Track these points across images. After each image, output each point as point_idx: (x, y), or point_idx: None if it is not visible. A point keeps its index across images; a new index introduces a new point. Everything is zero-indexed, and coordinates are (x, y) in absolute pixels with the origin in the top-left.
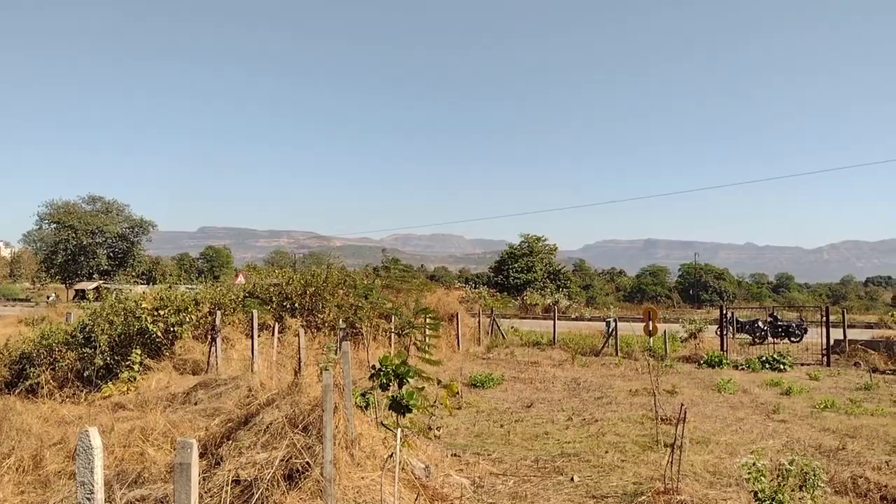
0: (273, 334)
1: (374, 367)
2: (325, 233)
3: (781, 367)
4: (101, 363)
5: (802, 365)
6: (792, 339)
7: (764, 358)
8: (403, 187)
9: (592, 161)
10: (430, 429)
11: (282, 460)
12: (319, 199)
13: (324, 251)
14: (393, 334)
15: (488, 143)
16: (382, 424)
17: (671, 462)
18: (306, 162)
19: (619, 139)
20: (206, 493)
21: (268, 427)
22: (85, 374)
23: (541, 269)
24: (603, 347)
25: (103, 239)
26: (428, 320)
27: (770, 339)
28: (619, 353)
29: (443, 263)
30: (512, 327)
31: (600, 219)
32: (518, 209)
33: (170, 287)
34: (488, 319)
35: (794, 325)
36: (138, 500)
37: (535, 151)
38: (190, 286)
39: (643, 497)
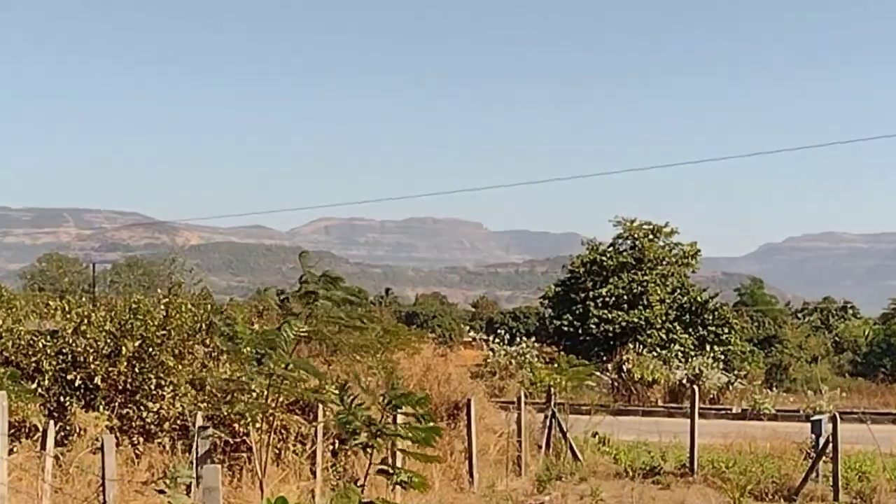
0: (42, 446)
1: None
2: (164, 216)
3: None
4: None
5: None
6: None
7: None
8: (343, 130)
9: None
10: None
11: None
12: (154, 154)
13: (160, 255)
14: (322, 446)
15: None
16: None
17: None
18: (106, 89)
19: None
20: None
21: None
22: None
23: (661, 297)
24: (805, 482)
25: None
26: (410, 418)
27: None
28: (839, 497)
29: (437, 281)
30: (594, 434)
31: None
32: (594, 166)
33: None
34: (541, 415)
35: None
36: None
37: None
38: None
39: None
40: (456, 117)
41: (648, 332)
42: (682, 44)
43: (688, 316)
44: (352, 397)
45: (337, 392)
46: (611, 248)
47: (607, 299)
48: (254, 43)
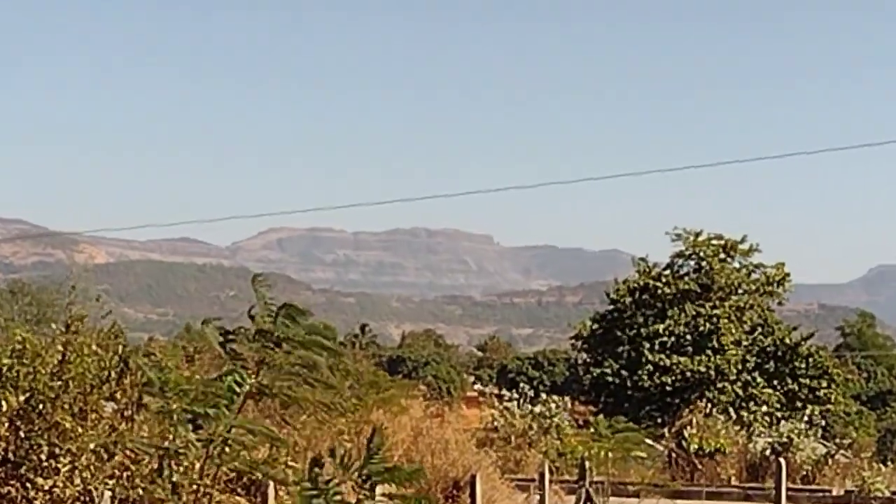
0: None
1: None
2: (59, 225)
3: None
4: None
5: None
6: None
7: None
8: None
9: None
10: None
11: None
12: (48, 148)
13: (54, 277)
14: None
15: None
16: None
17: None
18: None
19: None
20: None
21: None
22: None
23: (737, 338)
24: None
25: None
26: (395, 500)
27: None
28: None
29: (431, 315)
30: None
31: None
32: (642, 163)
33: None
34: (572, 498)
35: None
36: None
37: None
38: None
39: None
40: (457, 107)
41: (720, 385)
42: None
43: (772, 364)
44: (317, 472)
45: (294, 465)
46: (668, 271)
47: (664, 340)
48: (197, 21)
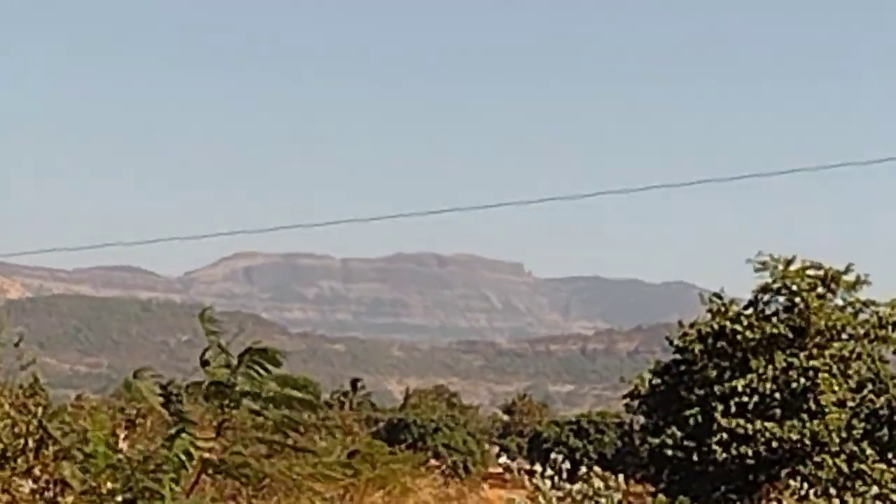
0: None
1: None
2: None
3: None
4: None
5: None
6: None
7: None
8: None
9: None
10: None
11: None
12: None
13: None
14: None
15: None
16: None
17: None
18: None
19: None
20: None
21: None
22: None
23: (841, 397)
24: None
25: None
26: None
27: None
28: None
29: (444, 367)
30: None
31: None
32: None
33: None
34: None
35: None
36: None
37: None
38: None
39: None
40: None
41: (817, 458)
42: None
43: (886, 430)
44: None
45: None
46: (750, 310)
47: (744, 400)
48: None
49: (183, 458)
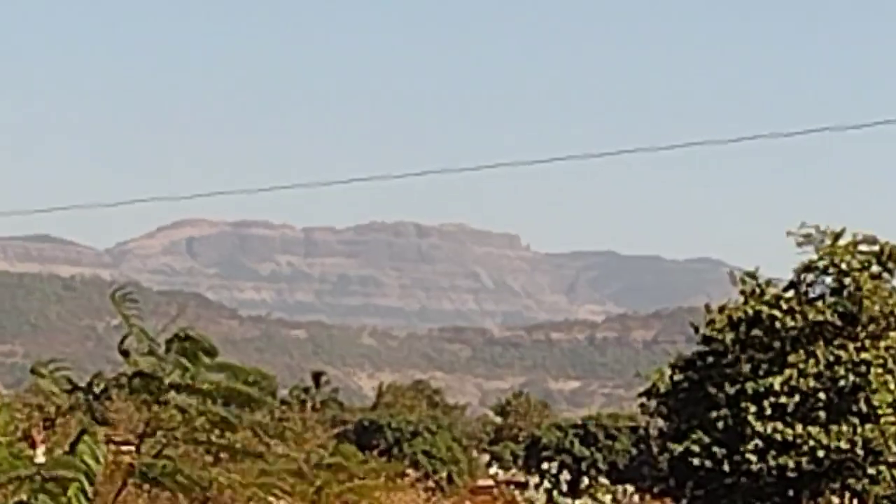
0: None
1: None
2: None
3: None
4: None
5: None
6: None
7: None
8: None
9: None
10: None
11: None
12: None
13: None
14: None
15: None
16: None
17: None
18: None
19: None
20: None
21: None
22: None
23: (893, 397)
24: None
25: None
26: None
27: None
28: None
29: (424, 359)
30: None
31: None
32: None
33: None
34: None
35: None
36: None
37: None
38: None
39: None
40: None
41: (871, 470)
42: None
43: None
44: None
45: None
46: (791, 293)
47: (783, 401)
48: None
49: (91, 464)
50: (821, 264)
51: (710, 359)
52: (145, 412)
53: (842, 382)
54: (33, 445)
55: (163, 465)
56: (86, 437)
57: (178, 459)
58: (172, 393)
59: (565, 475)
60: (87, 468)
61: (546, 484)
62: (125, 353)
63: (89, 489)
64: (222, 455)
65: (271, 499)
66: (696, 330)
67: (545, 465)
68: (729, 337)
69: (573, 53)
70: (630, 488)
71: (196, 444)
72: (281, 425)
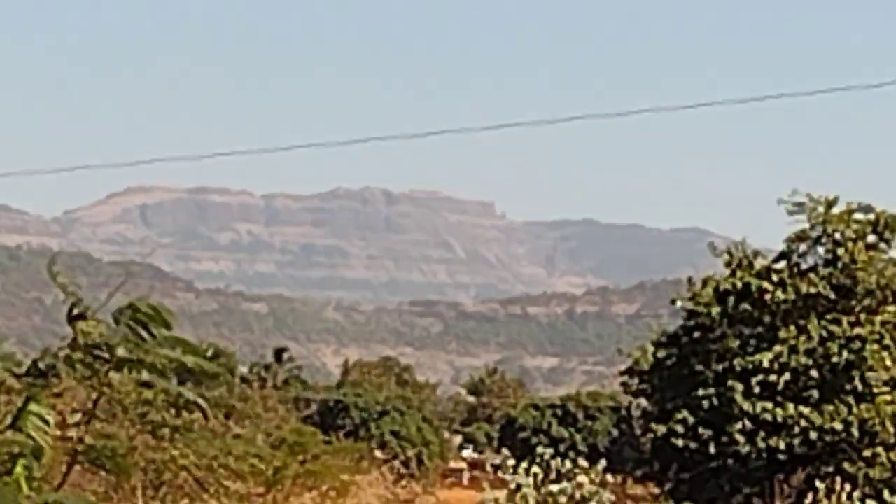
0: None
1: None
2: None
3: None
4: None
5: None
6: None
7: None
8: None
9: None
10: None
11: None
12: None
13: None
14: None
15: None
16: None
17: None
18: None
19: None
20: None
21: None
22: None
23: (890, 374)
24: None
25: None
26: None
27: None
28: None
29: (394, 334)
30: None
31: None
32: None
33: None
34: None
35: None
36: None
37: None
38: None
39: None
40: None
41: (866, 452)
42: None
43: None
44: None
45: None
46: (781, 264)
47: (772, 379)
48: None
49: (37, 438)
50: (813, 234)
51: (696, 334)
52: (92, 389)
53: (835, 359)
54: None
55: (111, 446)
56: (31, 407)
57: (127, 440)
58: (123, 369)
59: (558, 462)
60: (34, 442)
61: (529, 465)
62: (77, 318)
63: (37, 468)
64: (177, 435)
65: (227, 482)
66: (675, 303)
67: (540, 450)
68: (715, 311)
69: (554, 11)
70: (614, 475)
71: (149, 423)
72: (239, 404)
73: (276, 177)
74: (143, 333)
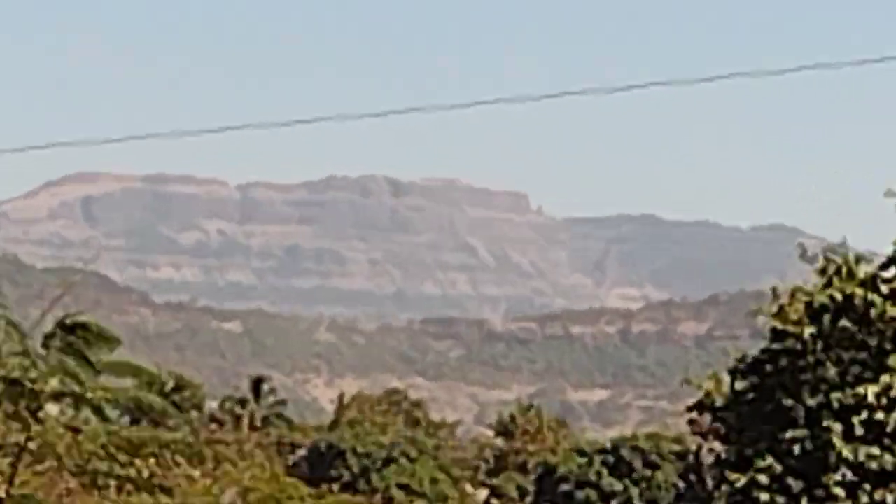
0: None
1: None
2: None
3: None
4: None
5: None
6: None
7: None
8: None
9: None
10: None
11: None
12: None
13: None
14: None
15: None
16: None
17: None
18: None
19: None
20: None
21: None
22: None
23: None
24: None
25: None
26: None
27: None
28: None
29: (400, 361)
30: None
31: None
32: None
33: None
34: None
35: None
36: None
37: None
38: None
39: None
40: None
41: None
42: None
43: None
44: None
45: None
46: (893, 270)
47: (879, 417)
48: None
49: None
50: None
51: (783, 360)
52: (18, 429)
53: None
54: None
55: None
56: None
57: (62, 493)
58: (50, 405)
59: None
60: None
61: None
62: None
63: None
64: (127, 489)
65: None
66: (755, 316)
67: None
68: (808, 331)
69: None
70: None
71: (90, 474)
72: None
73: (254, 162)
74: (80, 361)
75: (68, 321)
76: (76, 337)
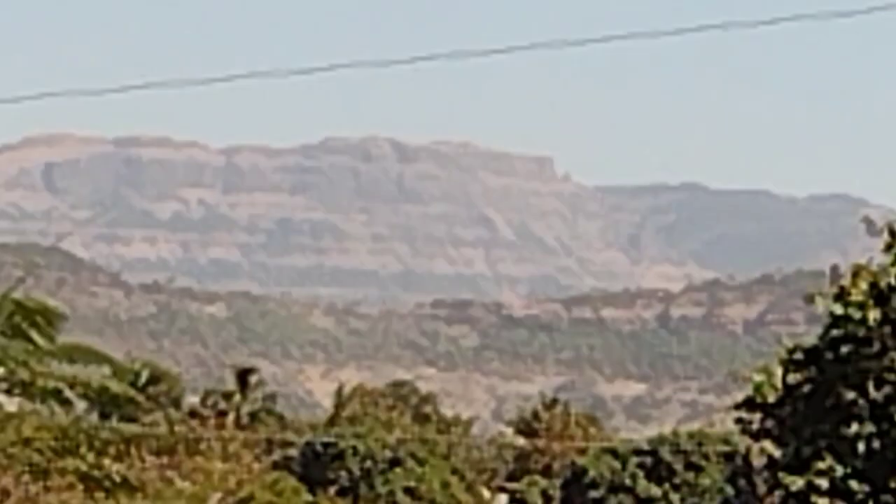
0: None
1: None
2: None
3: None
4: None
5: None
6: None
7: None
8: None
9: None
10: None
11: None
12: None
13: None
14: None
15: None
16: None
17: None
18: None
19: None
20: None
21: None
22: None
23: None
24: None
25: None
26: None
27: None
28: None
29: (409, 349)
30: None
31: None
32: None
33: None
34: None
35: None
36: None
37: None
38: None
39: None
40: None
41: None
42: None
43: None
44: None
45: None
46: None
47: None
48: None
49: None
50: None
51: (845, 349)
52: None
53: None
54: None
55: None
56: None
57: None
58: None
59: None
60: None
61: None
62: None
63: None
64: (93, 490)
65: None
66: (811, 302)
67: None
68: (873, 315)
69: None
70: None
71: (36, 472)
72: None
73: (240, 122)
74: (25, 343)
75: (14, 298)
76: (18, 317)
